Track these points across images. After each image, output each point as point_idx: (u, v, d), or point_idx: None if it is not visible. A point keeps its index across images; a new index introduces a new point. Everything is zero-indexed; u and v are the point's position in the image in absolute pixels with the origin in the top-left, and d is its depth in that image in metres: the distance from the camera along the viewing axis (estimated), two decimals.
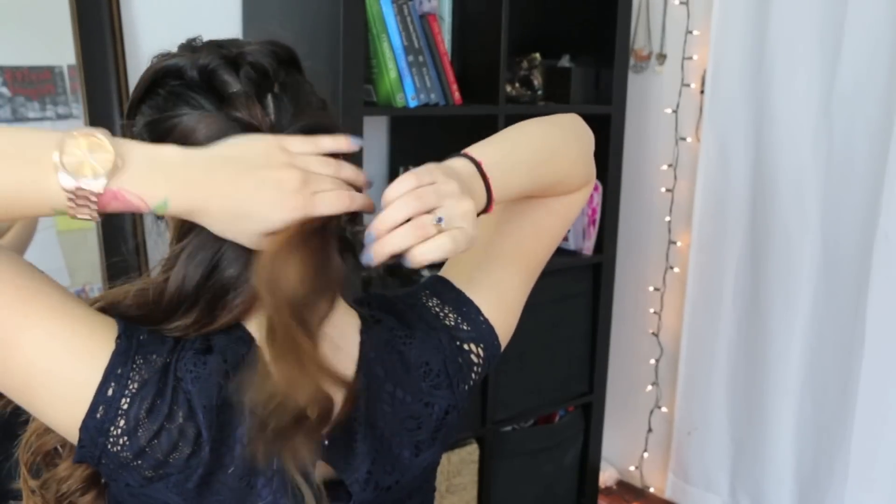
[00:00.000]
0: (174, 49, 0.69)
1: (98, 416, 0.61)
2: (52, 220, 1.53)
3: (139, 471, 0.63)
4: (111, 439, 0.62)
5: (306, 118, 0.67)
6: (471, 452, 2.00)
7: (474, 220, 0.65)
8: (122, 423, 0.62)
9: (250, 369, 0.63)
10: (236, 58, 0.66)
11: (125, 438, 0.62)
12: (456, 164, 0.69)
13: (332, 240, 0.65)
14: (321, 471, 0.71)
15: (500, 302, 0.82)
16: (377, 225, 0.63)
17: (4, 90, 1.53)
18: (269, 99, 0.66)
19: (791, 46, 2.01)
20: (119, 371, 0.62)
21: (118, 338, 0.63)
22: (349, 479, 0.71)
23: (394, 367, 0.74)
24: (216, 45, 0.68)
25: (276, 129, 0.65)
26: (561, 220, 0.86)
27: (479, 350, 0.80)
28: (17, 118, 1.54)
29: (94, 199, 0.56)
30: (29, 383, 0.62)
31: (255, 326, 0.69)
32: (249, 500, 0.67)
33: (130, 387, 0.62)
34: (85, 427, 0.62)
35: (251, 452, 0.64)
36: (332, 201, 0.63)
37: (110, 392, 0.61)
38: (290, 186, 0.60)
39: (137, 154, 0.58)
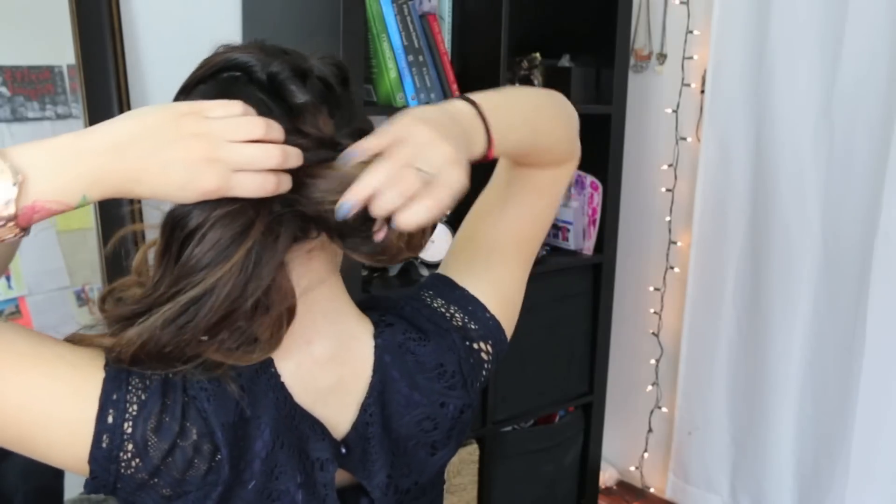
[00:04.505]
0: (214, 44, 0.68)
1: (104, 445, 0.60)
2: (52, 220, 1.52)
3: (157, 489, 0.62)
4: (122, 464, 0.61)
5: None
6: (471, 452, 2.00)
7: (456, 165, 0.60)
8: (130, 446, 0.61)
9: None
10: (305, 70, 0.66)
11: (137, 460, 0.61)
12: (455, 105, 0.67)
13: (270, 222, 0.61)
14: (340, 477, 0.71)
15: (503, 296, 0.82)
16: (351, 196, 0.58)
17: (4, 90, 1.52)
18: (335, 112, 0.66)
19: (791, 46, 2.01)
20: (115, 397, 0.60)
21: (106, 365, 0.62)
22: (370, 485, 0.71)
23: (409, 370, 0.74)
24: (284, 53, 0.67)
25: (335, 141, 0.64)
26: (550, 200, 0.86)
27: (488, 347, 0.79)
28: (16, 118, 1.54)
29: (11, 222, 0.54)
30: (23, 435, 0.60)
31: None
32: None
33: (130, 410, 0.61)
34: (94, 459, 0.60)
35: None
36: (251, 185, 0.58)
37: (110, 419, 0.60)
38: (195, 157, 0.56)
39: (36, 158, 0.54)
